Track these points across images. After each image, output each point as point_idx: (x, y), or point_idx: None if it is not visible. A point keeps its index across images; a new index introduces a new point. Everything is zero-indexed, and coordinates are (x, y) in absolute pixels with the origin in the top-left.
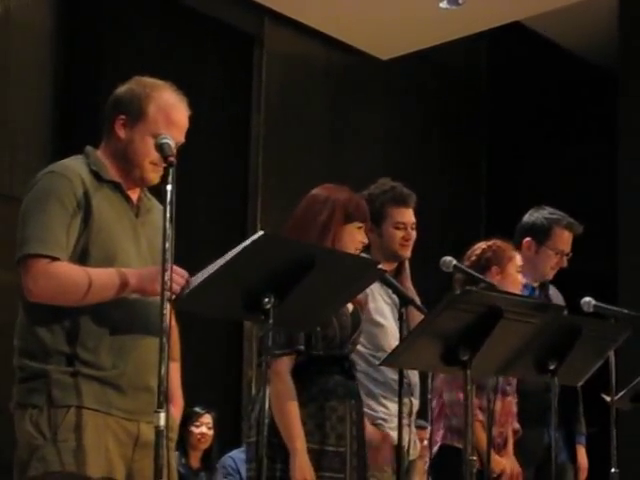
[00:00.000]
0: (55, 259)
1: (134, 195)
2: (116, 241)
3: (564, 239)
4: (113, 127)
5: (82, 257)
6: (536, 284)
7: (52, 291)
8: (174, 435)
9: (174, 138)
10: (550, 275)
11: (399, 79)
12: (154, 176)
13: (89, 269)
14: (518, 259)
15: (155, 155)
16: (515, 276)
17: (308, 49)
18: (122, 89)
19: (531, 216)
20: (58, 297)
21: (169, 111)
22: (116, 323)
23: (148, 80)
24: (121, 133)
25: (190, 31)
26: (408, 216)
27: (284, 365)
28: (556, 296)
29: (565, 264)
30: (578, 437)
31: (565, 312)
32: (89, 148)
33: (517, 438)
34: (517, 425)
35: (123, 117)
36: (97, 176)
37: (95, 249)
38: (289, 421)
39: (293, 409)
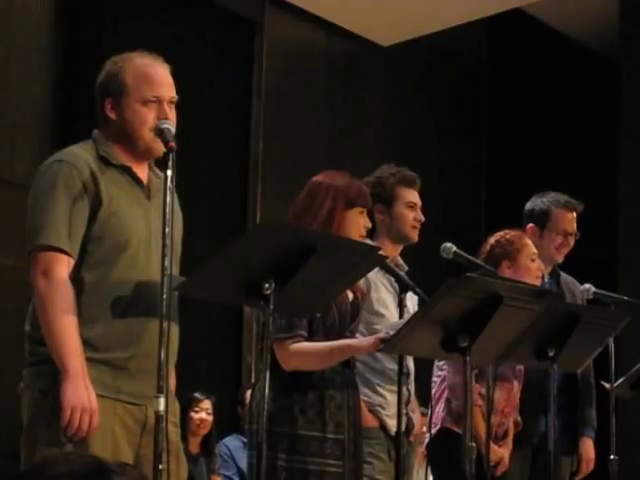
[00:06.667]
0: (63, 251)
1: (144, 175)
2: (128, 226)
3: (564, 219)
4: (105, 112)
5: (96, 244)
6: (547, 270)
7: (41, 294)
8: (176, 419)
9: (164, 95)
10: (558, 257)
11: (400, 65)
12: (159, 146)
13: (74, 321)
14: (530, 247)
15: (153, 121)
16: (528, 265)
17: (309, 35)
18: (101, 75)
19: (532, 203)
20: (38, 303)
21: (146, 73)
22: (127, 306)
23: (119, 56)
24: (112, 115)
25: (190, 17)
26: (416, 197)
27: (288, 348)
28: (571, 282)
29: (572, 244)
30: (586, 429)
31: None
32: (96, 132)
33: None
34: (518, 417)
35: (109, 99)
36: (106, 161)
37: (108, 236)
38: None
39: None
